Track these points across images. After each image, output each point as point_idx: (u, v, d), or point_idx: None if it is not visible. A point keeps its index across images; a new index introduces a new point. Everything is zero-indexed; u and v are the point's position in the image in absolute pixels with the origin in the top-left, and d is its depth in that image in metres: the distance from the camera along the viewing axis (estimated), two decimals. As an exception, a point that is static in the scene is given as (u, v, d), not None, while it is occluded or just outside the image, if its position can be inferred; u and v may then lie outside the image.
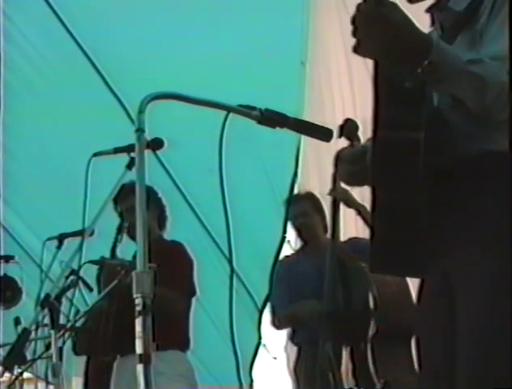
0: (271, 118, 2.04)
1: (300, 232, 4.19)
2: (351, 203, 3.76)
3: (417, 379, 3.42)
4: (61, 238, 3.39)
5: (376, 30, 1.66)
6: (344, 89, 5.24)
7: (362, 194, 4.49)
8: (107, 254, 3.98)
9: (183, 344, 3.97)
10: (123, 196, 3.64)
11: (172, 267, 3.56)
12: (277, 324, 4.16)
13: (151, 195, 3.96)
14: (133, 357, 1.79)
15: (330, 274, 3.54)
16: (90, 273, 3.39)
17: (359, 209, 3.78)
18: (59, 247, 3.36)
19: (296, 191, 5.50)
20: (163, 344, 3.63)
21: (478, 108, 1.76)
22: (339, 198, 3.66)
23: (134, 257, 3.68)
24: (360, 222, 5.03)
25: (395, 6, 1.68)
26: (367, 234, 3.84)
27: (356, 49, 1.70)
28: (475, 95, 1.74)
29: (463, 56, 1.75)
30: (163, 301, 3.51)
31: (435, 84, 1.78)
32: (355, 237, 3.98)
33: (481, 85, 1.72)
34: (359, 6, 1.67)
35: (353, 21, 1.68)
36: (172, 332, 3.69)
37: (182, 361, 3.92)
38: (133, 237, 3.89)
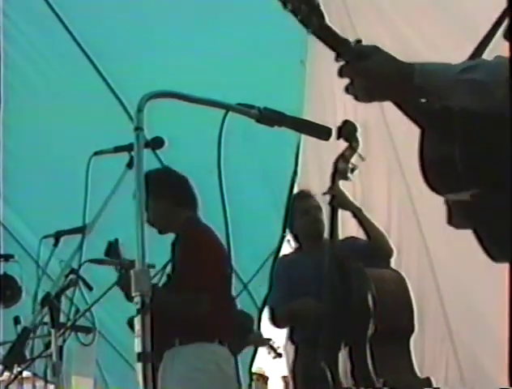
0: (270, 117, 2.05)
1: (315, 226, 4.02)
2: (347, 205, 3.76)
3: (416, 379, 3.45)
4: (57, 236, 3.39)
5: (364, 82, 1.84)
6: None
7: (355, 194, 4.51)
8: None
9: (205, 334, 3.64)
10: None
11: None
12: (276, 323, 4.15)
13: (175, 184, 3.93)
14: None
15: (329, 273, 3.54)
16: (90, 272, 3.39)
17: (354, 211, 3.78)
18: (56, 245, 3.36)
19: (296, 190, 5.50)
20: (182, 339, 3.60)
21: (485, 108, 1.80)
22: (336, 201, 3.66)
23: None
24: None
25: (375, 49, 1.85)
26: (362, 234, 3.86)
27: (357, 99, 1.89)
28: (477, 98, 1.78)
29: (457, 67, 1.82)
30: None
31: (436, 102, 1.86)
32: (352, 237, 3.97)
33: (480, 88, 1.76)
34: (342, 67, 1.85)
35: (340, 74, 1.86)
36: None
37: (201, 354, 3.62)
38: (152, 226, 3.80)
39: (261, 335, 4.68)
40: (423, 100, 1.91)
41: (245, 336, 4.38)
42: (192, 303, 3.56)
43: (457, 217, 1.99)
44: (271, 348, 4.81)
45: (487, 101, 1.78)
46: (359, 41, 1.89)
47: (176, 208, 3.84)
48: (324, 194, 3.71)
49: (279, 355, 4.87)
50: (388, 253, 3.79)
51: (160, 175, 3.86)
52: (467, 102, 1.80)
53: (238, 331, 4.08)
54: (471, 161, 1.84)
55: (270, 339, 4.93)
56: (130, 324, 3.83)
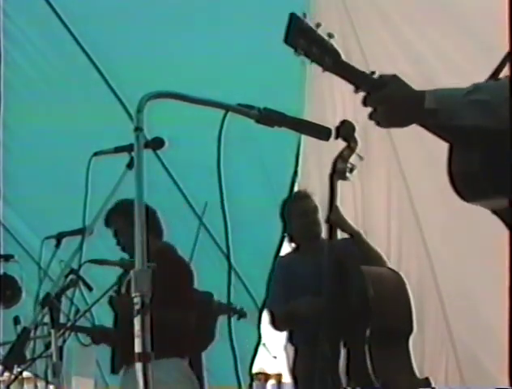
0: (270, 117, 2.05)
1: (312, 228, 4.00)
2: (346, 228, 3.76)
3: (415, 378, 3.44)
4: (59, 237, 3.39)
5: (383, 109, 2.02)
6: (345, 88, 5.22)
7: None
8: (107, 254, 3.99)
9: (181, 350, 4.01)
10: (112, 218, 3.93)
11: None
12: (276, 326, 4.13)
13: (149, 215, 4.08)
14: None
15: (327, 273, 3.53)
16: (90, 272, 3.39)
17: (353, 235, 3.78)
18: (57, 246, 3.36)
19: (298, 189, 5.50)
20: (158, 354, 3.79)
21: (495, 124, 1.95)
22: (335, 223, 3.64)
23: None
24: (359, 220, 5.04)
25: (393, 78, 2.02)
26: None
27: (379, 125, 2.06)
28: (483, 116, 1.95)
29: (464, 90, 2.00)
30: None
31: (448, 123, 2.02)
32: (350, 238, 3.95)
33: (485, 107, 1.94)
34: (365, 98, 2.02)
35: (364, 104, 2.04)
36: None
37: (179, 367, 3.96)
38: (130, 254, 3.99)
39: (220, 303, 4.77)
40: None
41: (210, 314, 4.55)
42: (178, 322, 3.86)
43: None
44: (234, 310, 4.88)
45: (492, 119, 1.93)
46: (373, 72, 2.05)
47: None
48: (326, 222, 3.69)
49: (243, 315, 4.92)
50: None
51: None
52: (475, 120, 1.97)
53: (204, 311, 4.39)
54: (489, 172, 1.99)
55: (230, 303, 5.05)
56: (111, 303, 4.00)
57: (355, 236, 3.77)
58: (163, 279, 3.77)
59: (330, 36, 2.01)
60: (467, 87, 2.02)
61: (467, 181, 2.04)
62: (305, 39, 1.98)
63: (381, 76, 2.04)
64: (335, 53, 2.01)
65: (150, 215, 4.06)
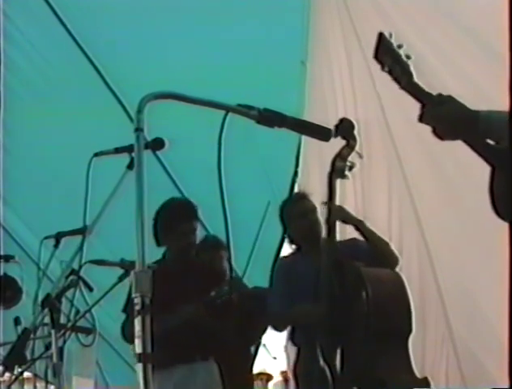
0: (270, 118, 2.05)
1: (312, 229, 3.98)
2: (347, 219, 3.75)
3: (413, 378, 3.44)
4: (58, 237, 3.39)
5: (439, 126, 2.26)
6: (346, 88, 5.25)
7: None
8: (107, 254, 3.98)
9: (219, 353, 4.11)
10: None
11: None
12: (276, 328, 4.13)
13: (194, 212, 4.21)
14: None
15: (326, 274, 3.53)
16: (90, 273, 3.39)
17: (356, 224, 3.77)
18: (56, 246, 3.36)
19: (296, 190, 5.50)
20: (203, 356, 4.03)
21: None
22: (335, 217, 3.62)
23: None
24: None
25: (450, 98, 2.25)
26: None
27: (435, 135, 2.28)
28: None
29: None
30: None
31: (496, 141, 2.21)
32: (354, 238, 3.95)
33: None
34: (422, 113, 2.25)
35: (420, 119, 2.28)
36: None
37: (217, 369, 4.08)
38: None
39: None
40: (490, 142, 2.26)
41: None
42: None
43: None
44: None
45: None
46: (440, 95, 2.29)
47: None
48: (325, 222, 3.67)
49: None
50: (394, 262, 3.78)
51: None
52: None
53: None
54: None
55: None
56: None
57: (358, 224, 3.76)
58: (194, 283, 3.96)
59: (408, 57, 2.33)
60: None
61: (506, 201, 2.19)
62: (390, 57, 2.31)
63: (440, 95, 2.27)
64: (410, 75, 2.32)
65: (194, 212, 4.16)
